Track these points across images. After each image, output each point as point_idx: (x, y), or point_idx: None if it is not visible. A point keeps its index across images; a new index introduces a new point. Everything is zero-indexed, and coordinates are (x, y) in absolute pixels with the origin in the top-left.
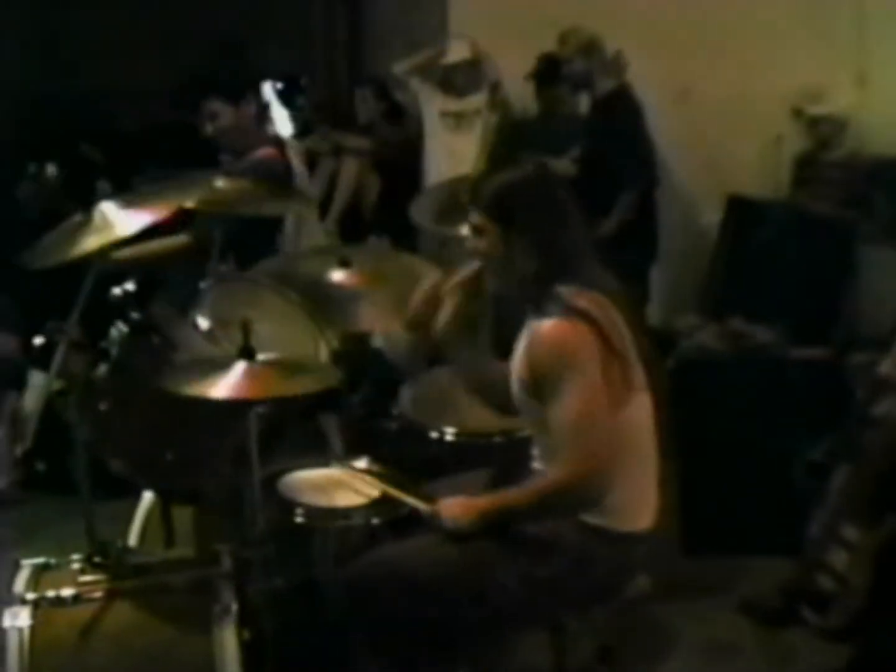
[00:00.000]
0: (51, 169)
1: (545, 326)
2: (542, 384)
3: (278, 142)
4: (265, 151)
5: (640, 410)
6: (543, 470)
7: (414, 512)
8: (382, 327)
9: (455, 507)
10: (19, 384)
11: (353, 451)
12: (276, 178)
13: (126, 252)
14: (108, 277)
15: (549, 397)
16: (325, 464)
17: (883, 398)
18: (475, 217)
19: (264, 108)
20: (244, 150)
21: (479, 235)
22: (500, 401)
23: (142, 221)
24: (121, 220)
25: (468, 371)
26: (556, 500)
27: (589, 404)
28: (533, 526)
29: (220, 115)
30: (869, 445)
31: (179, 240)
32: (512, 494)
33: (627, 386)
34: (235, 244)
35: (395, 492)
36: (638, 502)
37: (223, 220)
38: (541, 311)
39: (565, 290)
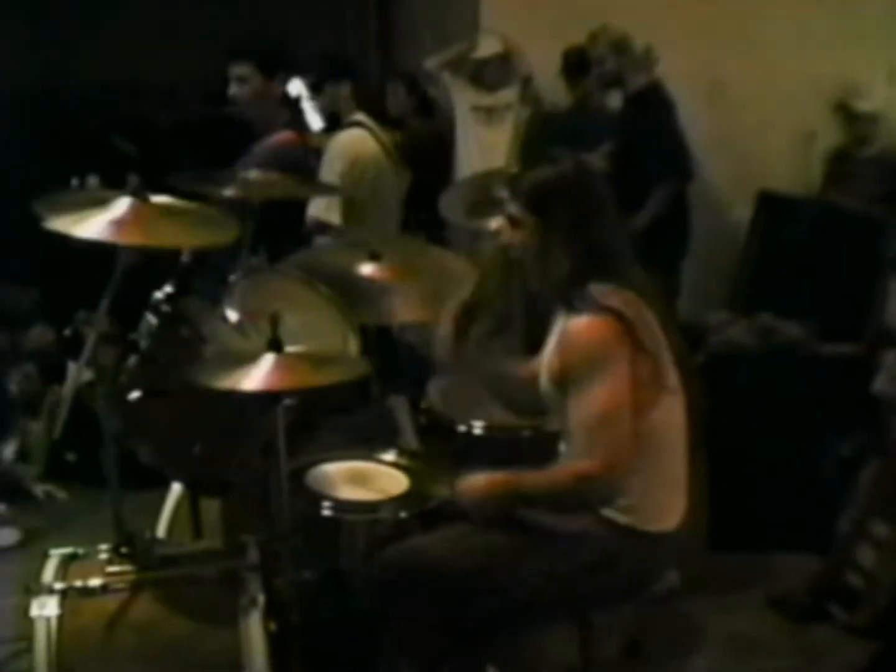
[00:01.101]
0: (93, 180)
1: (577, 323)
2: (570, 380)
3: (296, 125)
4: (284, 136)
5: (672, 412)
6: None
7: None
8: (412, 320)
9: (474, 485)
10: (60, 377)
11: (383, 444)
12: (295, 166)
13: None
14: (137, 269)
15: (576, 392)
16: (353, 457)
17: None
18: (514, 209)
19: (289, 98)
20: (263, 125)
21: (516, 228)
22: (521, 405)
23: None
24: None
25: (486, 380)
26: (572, 491)
27: (615, 401)
28: (560, 521)
29: (250, 81)
30: None
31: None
32: (529, 477)
33: (658, 387)
34: (267, 236)
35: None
36: (667, 503)
37: (253, 212)
38: (573, 309)
39: (598, 289)
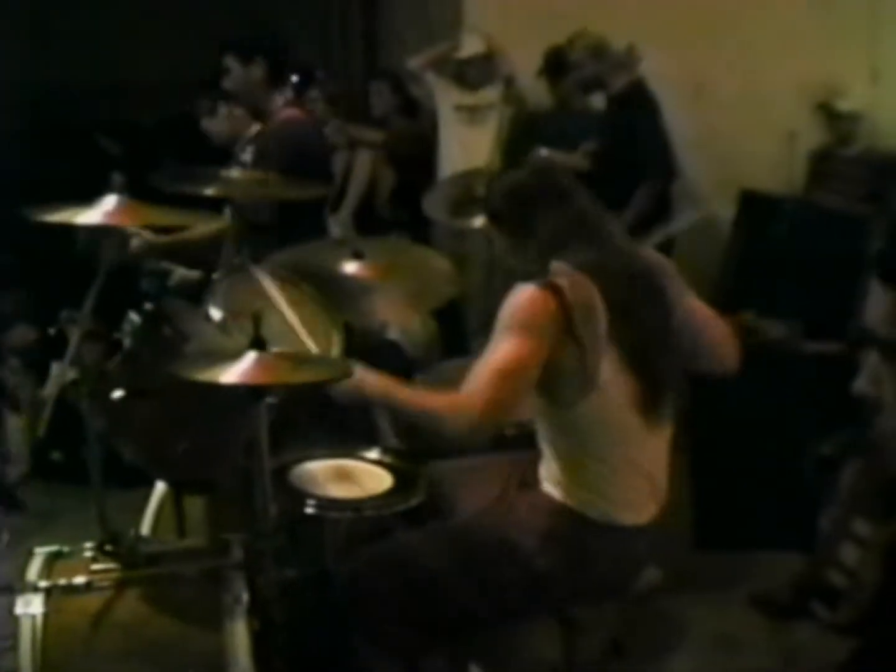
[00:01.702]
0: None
1: (517, 290)
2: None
3: (296, 101)
4: (287, 113)
5: (608, 403)
6: (546, 453)
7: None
8: (396, 320)
9: (356, 378)
10: (43, 376)
11: (368, 442)
12: (307, 142)
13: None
14: (122, 268)
15: (490, 345)
16: (336, 454)
17: None
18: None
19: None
20: (260, 109)
21: (491, 239)
22: None
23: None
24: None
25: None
26: (441, 418)
27: (515, 361)
28: (530, 518)
29: (232, 70)
30: (880, 440)
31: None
32: (407, 393)
33: (587, 378)
34: (275, 227)
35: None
36: (632, 495)
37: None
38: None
39: (555, 266)
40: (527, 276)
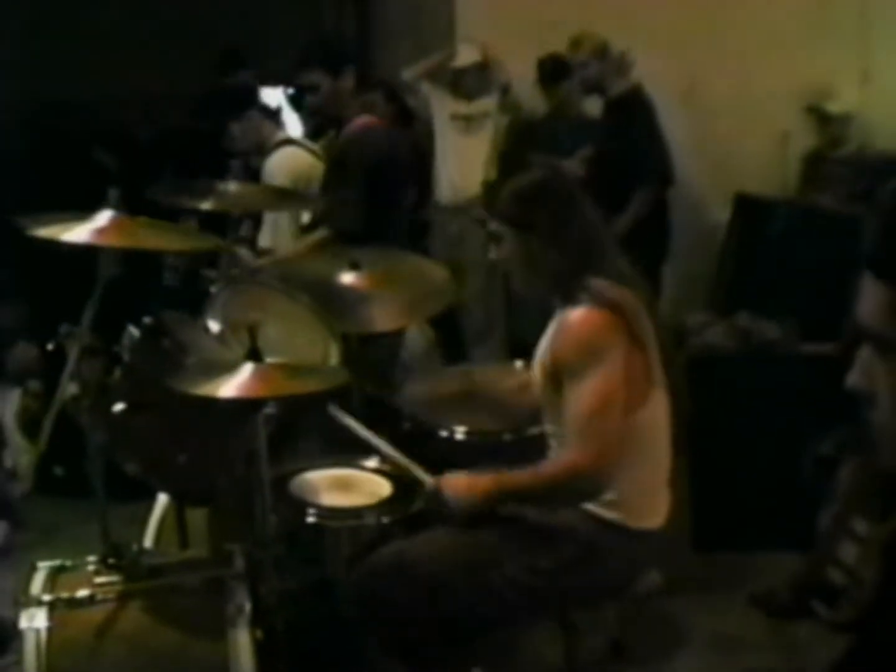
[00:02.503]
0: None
1: (575, 314)
2: (564, 371)
3: (371, 108)
4: (362, 121)
5: (658, 407)
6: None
7: (419, 492)
8: (393, 328)
9: (459, 482)
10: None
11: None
12: (379, 148)
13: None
14: (119, 282)
15: (569, 384)
16: (336, 464)
17: None
18: (494, 224)
19: (362, 83)
20: (341, 120)
21: (499, 242)
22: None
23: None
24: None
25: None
26: (562, 486)
27: (607, 394)
28: (544, 517)
29: (322, 85)
30: (876, 436)
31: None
32: (518, 475)
33: (649, 382)
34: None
35: (398, 459)
36: (652, 500)
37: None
38: (571, 301)
39: (596, 282)
40: (533, 294)
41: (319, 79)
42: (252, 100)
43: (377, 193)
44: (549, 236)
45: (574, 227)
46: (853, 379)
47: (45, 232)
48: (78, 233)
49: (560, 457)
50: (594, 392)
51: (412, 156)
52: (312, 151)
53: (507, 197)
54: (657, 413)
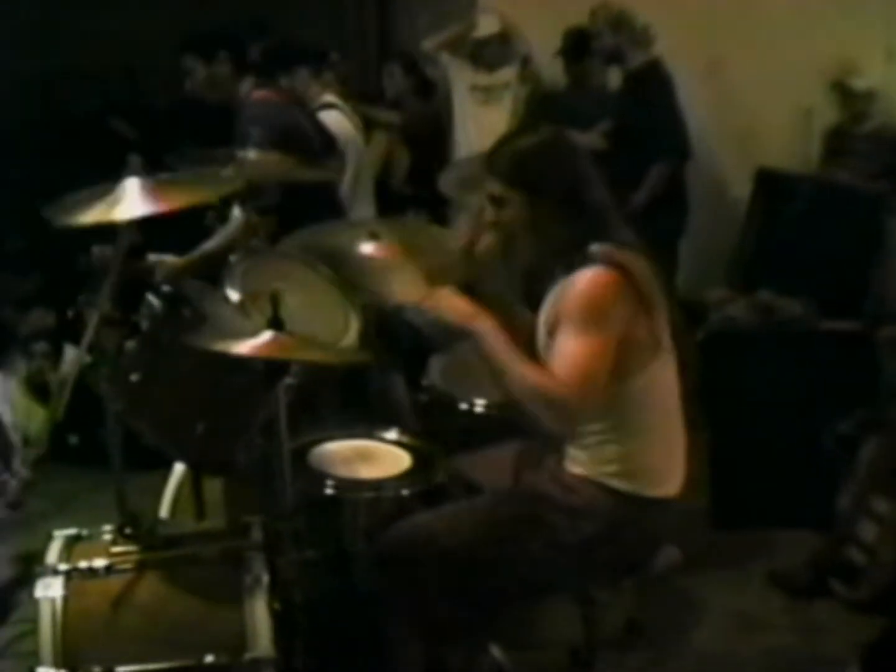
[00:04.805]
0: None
1: (583, 274)
2: (563, 322)
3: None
4: (258, 94)
5: (666, 370)
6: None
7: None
8: (413, 299)
9: (457, 302)
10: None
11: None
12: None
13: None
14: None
15: (564, 331)
16: (355, 435)
17: None
18: (495, 187)
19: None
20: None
21: (501, 206)
22: None
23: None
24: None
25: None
26: (539, 396)
27: (598, 357)
28: (565, 494)
29: (197, 71)
30: None
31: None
32: (508, 353)
33: (654, 346)
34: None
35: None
36: (665, 465)
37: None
38: (575, 269)
39: (602, 247)
40: (539, 263)
41: (192, 63)
42: (302, 56)
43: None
44: (555, 202)
45: (581, 193)
46: None
47: (73, 218)
48: (111, 210)
49: (552, 377)
50: (588, 350)
51: (317, 128)
52: (351, 118)
53: (511, 156)
54: (663, 377)
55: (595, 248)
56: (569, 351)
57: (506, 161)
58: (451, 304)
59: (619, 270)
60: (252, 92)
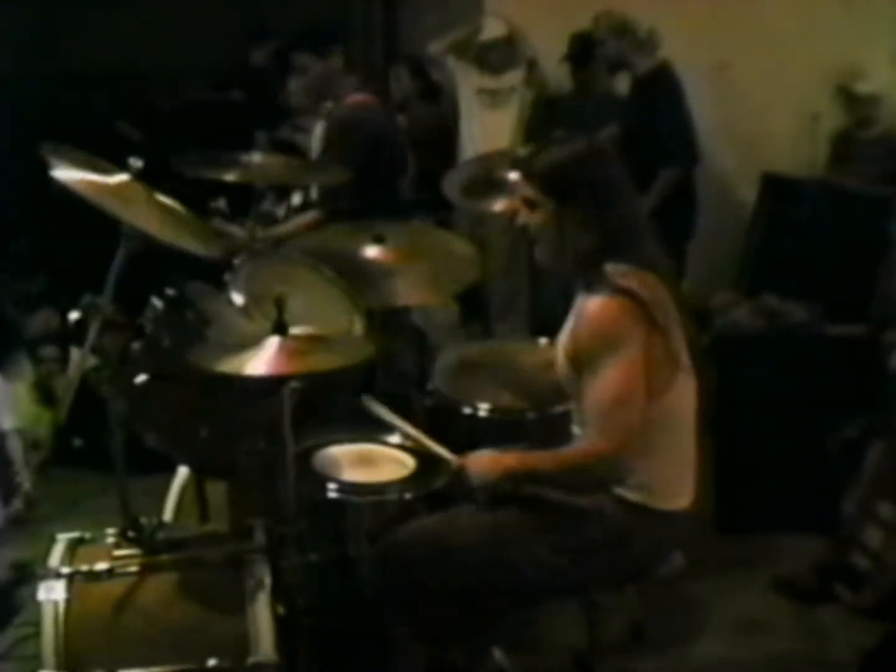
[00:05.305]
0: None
1: (592, 304)
2: (584, 361)
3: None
4: (354, 98)
5: (684, 391)
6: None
7: (442, 469)
8: (417, 302)
9: (483, 461)
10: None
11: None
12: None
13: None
14: (142, 253)
15: (590, 373)
16: (359, 439)
17: None
18: (529, 190)
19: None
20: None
21: (532, 209)
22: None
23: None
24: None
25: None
26: (583, 471)
27: (628, 384)
28: (572, 498)
29: (311, 68)
30: None
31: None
32: (542, 457)
33: (672, 367)
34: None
35: (424, 441)
36: (679, 481)
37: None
38: (590, 289)
39: (615, 269)
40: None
41: (307, 60)
42: (335, 41)
43: (371, 173)
44: (582, 215)
45: (608, 211)
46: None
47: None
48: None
49: (582, 443)
50: (614, 381)
51: (402, 135)
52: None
53: (549, 165)
54: (683, 397)
55: (610, 268)
56: (597, 396)
57: (544, 167)
58: (481, 466)
59: (627, 297)
60: (351, 94)
